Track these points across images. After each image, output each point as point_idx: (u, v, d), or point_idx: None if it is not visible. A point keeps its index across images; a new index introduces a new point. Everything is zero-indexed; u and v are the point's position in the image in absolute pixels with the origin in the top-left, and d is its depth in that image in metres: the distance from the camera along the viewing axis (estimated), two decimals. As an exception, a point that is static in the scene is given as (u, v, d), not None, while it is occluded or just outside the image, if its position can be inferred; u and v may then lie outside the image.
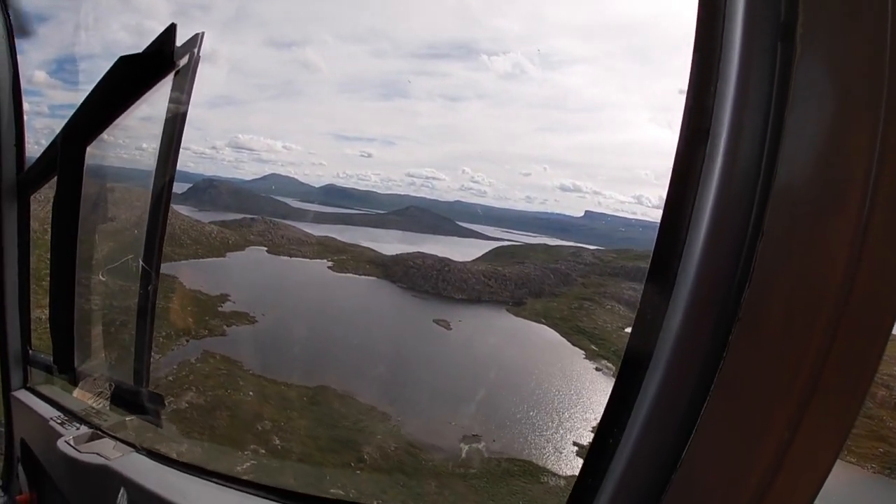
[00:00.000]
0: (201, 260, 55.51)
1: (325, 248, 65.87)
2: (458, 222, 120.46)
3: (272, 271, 57.63)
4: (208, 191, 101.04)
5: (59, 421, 3.55)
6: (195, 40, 2.69)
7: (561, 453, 34.47)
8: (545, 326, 52.91)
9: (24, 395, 4.11)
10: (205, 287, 49.24)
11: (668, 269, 1.25)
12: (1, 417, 4.50)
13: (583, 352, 48.41)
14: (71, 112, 3.04)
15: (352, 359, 41.91)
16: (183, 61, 2.68)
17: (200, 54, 2.69)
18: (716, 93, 1.14)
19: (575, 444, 35.57)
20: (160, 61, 2.65)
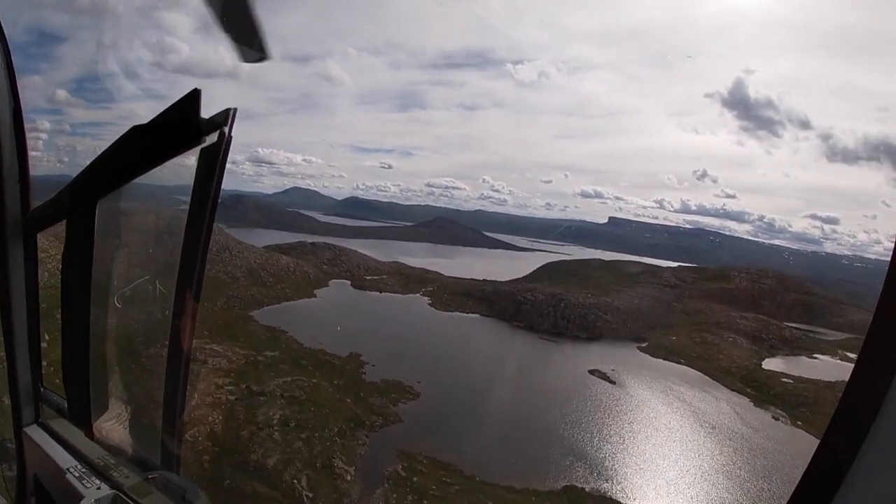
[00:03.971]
0: (294, 303, 44.54)
1: (406, 278, 56.60)
2: (485, 232, 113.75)
3: (377, 314, 47.58)
4: (236, 206, 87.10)
5: (76, 473, 3.23)
6: (226, 114, 2.29)
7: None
8: (687, 368, 48.71)
9: (35, 432, 3.87)
10: (327, 345, 39.11)
11: None
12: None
13: (747, 399, 44.70)
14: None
15: (558, 437, 35.33)
16: (212, 138, 2.30)
17: (232, 133, 2.33)
18: None
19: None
20: (183, 136, 2.32)
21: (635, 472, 32.83)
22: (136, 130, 2.43)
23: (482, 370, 41.59)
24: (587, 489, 30.51)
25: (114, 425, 3.48)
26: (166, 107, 2.33)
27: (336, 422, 30.82)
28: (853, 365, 1.33)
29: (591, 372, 44.50)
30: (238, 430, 27.17)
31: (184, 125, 2.24)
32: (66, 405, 3.60)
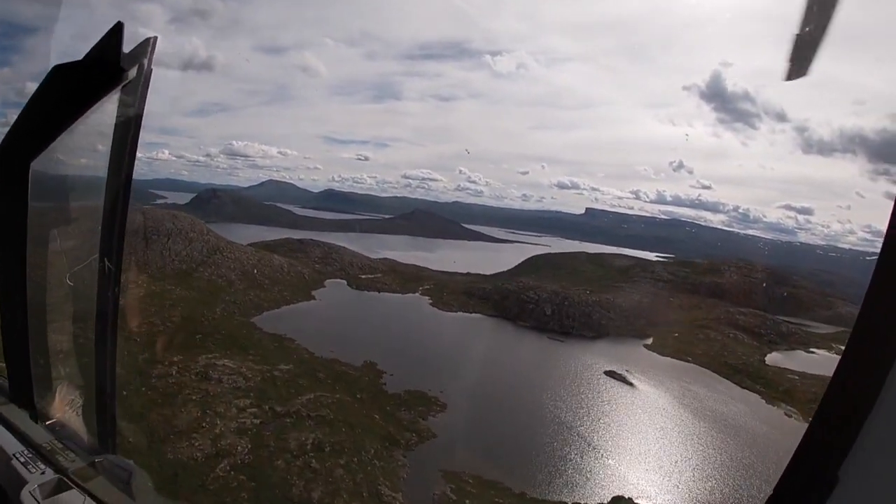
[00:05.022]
0: (293, 306, 40.97)
1: (401, 276, 53.71)
2: (463, 224, 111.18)
3: (381, 317, 44.54)
4: (212, 201, 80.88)
5: (22, 459, 3.11)
6: (145, 46, 2.28)
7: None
8: (696, 366, 48.38)
9: None
10: (340, 355, 36.01)
11: None
12: None
13: (758, 396, 44.71)
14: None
15: (591, 444, 33.81)
16: (132, 72, 2.26)
17: (153, 65, 2.30)
18: None
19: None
20: (103, 72, 2.21)
21: (676, 480, 31.73)
22: (58, 70, 2.21)
23: (502, 376, 39.54)
24: (635, 498, 29.16)
25: (58, 408, 3.33)
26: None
27: (371, 442, 28.02)
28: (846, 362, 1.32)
29: (608, 373, 43.34)
30: (272, 460, 23.91)
31: (105, 61, 2.10)
32: (8, 388, 3.39)
